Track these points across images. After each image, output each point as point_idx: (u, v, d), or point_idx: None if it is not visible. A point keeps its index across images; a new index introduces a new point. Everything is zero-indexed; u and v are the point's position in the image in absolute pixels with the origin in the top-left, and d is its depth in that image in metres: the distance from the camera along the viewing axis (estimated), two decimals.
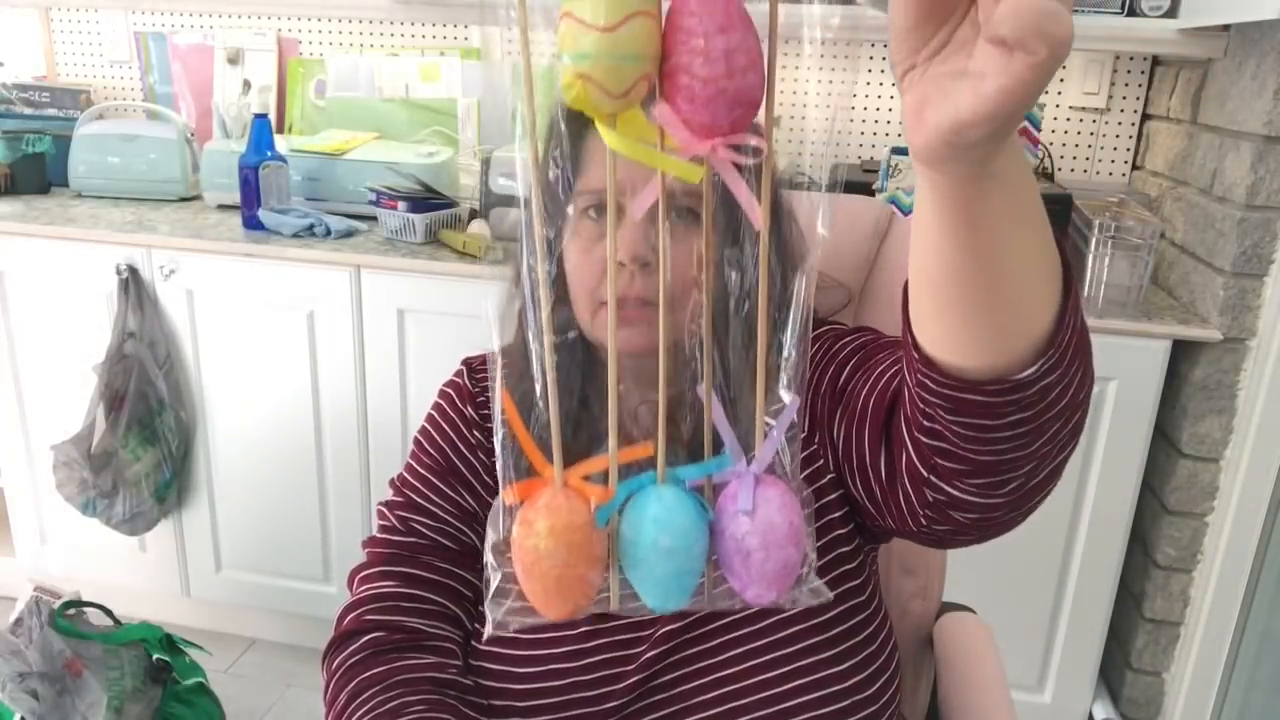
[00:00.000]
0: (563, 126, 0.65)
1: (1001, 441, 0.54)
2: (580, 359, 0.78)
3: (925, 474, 0.60)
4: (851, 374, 0.74)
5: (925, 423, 0.57)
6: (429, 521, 0.82)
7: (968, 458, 0.56)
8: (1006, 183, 0.45)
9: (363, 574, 0.83)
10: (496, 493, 0.80)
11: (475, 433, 0.84)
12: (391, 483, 0.87)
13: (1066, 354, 0.51)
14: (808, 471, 0.77)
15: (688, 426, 0.67)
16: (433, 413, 0.88)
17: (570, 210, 0.74)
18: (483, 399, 0.85)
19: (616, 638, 0.76)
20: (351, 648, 0.78)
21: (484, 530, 0.82)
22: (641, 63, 0.41)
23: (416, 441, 0.87)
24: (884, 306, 1.02)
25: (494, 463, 0.79)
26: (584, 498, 0.46)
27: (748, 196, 0.42)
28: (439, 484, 0.83)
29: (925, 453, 0.59)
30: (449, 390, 0.88)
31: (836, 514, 0.77)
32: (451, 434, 0.85)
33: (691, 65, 0.41)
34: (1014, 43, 0.35)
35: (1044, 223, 0.49)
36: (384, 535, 0.84)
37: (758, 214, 0.43)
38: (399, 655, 0.77)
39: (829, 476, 0.77)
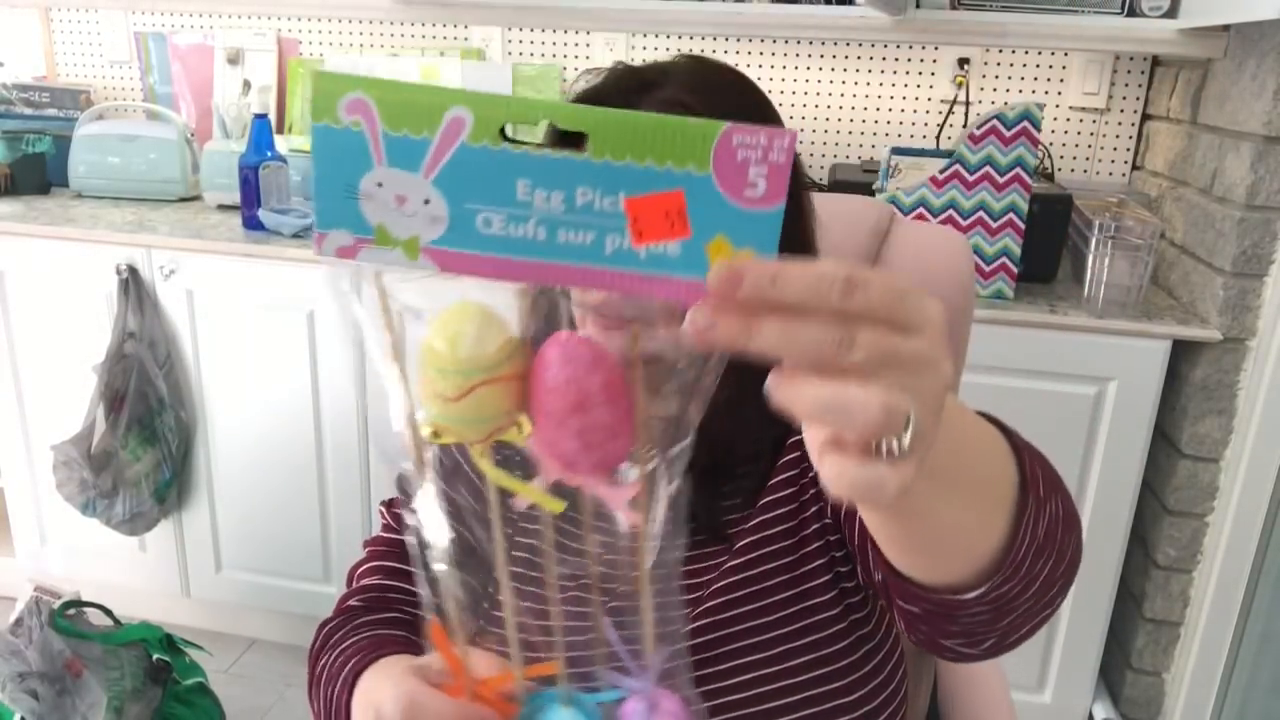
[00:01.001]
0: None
1: (967, 622, 0.53)
2: None
3: (912, 618, 0.60)
4: None
5: (897, 586, 0.57)
6: None
7: (940, 626, 0.56)
8: (927, 465, 0.41)
9: (358, 571, 0.85)
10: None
11: None
12: (396, 481, 0.88)
13: (1022, 566, 0.49)
14: (813, 509, 0.77)
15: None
16: None
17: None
18: None
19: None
20: (332, 624, 0.80)
21: (478, 526, 0.82)
22: (496, 419, 0.42)
23: None
24: None
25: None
26: (492, 710, 0.48)
27: (621, 506, 0.43)
28: (440, 480, 0.84)
29: (906, 610, 0.59)
30: None
31: (839, 552, 0.77)
32: None
33: (551, 435, 0.41)
34: (844, 498, 0.36)
35: (987, 468, 0.47)
36: (382, 534, 0.85)
37: (629, 516, 0.44)
38: (378, 619, 0.79)
39: (827, 520, 0.77)
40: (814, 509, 0.77)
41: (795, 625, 0.75)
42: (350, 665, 0.71)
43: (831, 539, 0.77)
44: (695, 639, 0.74)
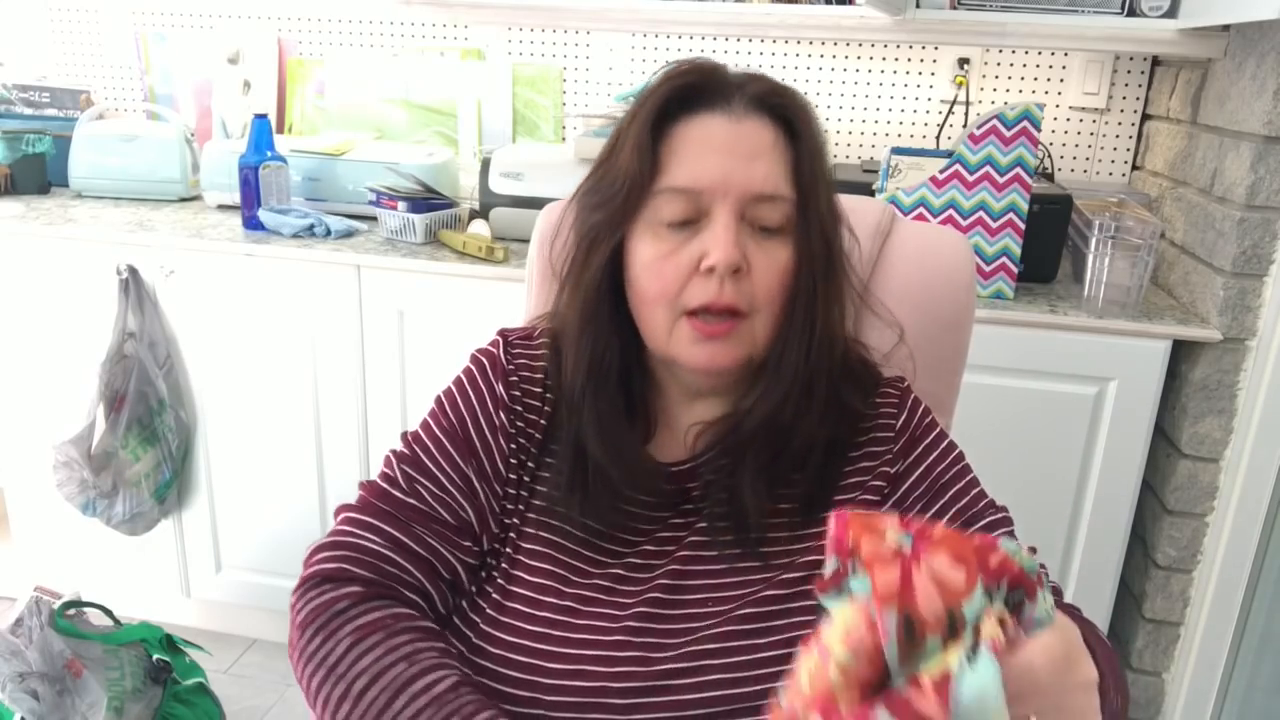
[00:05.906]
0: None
1: None
2: (635, 375, 0.80)
3: None
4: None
5: None
6: (432, 488, 0.80)
7: None
8: None
9: (352, 515, 0.81)
10: (505, 479, 0.81)
11: (501, 414, 0.82)
12: (403, 436, 0.85)
13: None
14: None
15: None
16: (462, 378, 0.86)
17: (643, 208, 0.77)
18: (515, 378, 0.84)
19: (646, 639, 0.76)
20: (332, 594, 0.75)
21: (480, 507, 0.81)
22: None
23: (438, 402, 0.85)
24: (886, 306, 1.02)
25: (512, 448, 0.82)
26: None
27: None
28: (451, 451, 0.82)
29: None
30: (482, 359, 0.86)
31: None
32: (476, 406, 0.83)
33: None
34: None
35: None
36: (385, 486, 0.82)
37: None
38: (392, 605, 0.75)
39: None
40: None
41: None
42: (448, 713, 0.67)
43: None
44: (709, 651, 0.74)
